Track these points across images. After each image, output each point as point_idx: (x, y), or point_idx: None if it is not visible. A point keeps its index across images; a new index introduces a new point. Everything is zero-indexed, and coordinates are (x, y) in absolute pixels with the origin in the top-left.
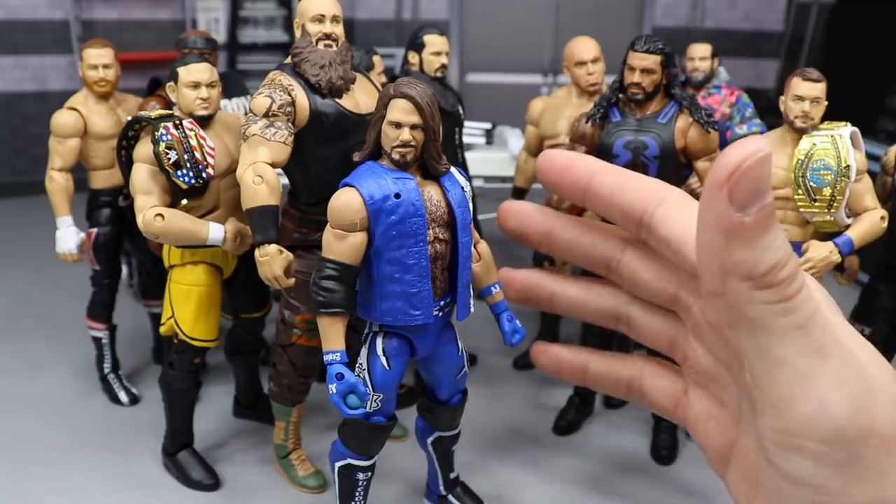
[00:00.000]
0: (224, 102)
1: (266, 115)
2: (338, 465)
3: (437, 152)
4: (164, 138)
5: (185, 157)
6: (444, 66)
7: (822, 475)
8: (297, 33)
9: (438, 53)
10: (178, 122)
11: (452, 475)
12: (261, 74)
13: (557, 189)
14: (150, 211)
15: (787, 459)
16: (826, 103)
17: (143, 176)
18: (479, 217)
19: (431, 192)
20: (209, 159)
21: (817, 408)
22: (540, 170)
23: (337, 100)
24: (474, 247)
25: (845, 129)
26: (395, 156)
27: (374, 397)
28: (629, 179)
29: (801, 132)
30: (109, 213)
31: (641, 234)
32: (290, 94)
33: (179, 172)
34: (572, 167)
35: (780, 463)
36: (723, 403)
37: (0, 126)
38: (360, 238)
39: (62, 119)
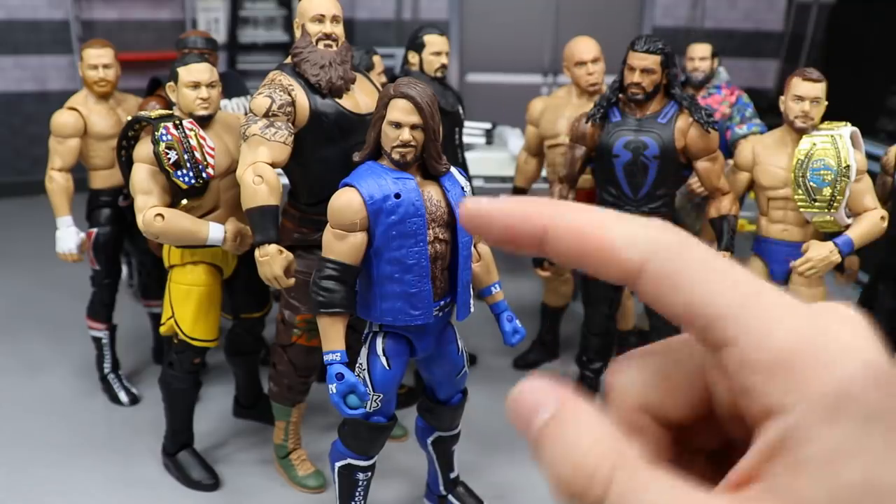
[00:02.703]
0: (224, 102)
1: (266, 115)
2: (338, 465)
3: (437, 152)
4: (164, 138)
5: (185, 157)
6: (444, 66)
7: None
8: (297, 33)
9: (438, 53)
10: (178, 122)
11: (452, 475)
12: (261, 74)
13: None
14: (150, 211)
15: None
16: (826, 103)
17: (143, 176)
18: None
19: (431, 192)
20: (209, 159)
21: None
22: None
23: (337, 100)
24: (474, 247)
25: (845, 129)
26: (395, 156)
27: (374, 397)
28: (591, 247)
29: (801, 132)
30: (109, 213)
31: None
32: (290, 94)
33: (179, 172)
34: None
35: None
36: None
37: (0, 126)
38: (360, 238)
39: (62, 119)
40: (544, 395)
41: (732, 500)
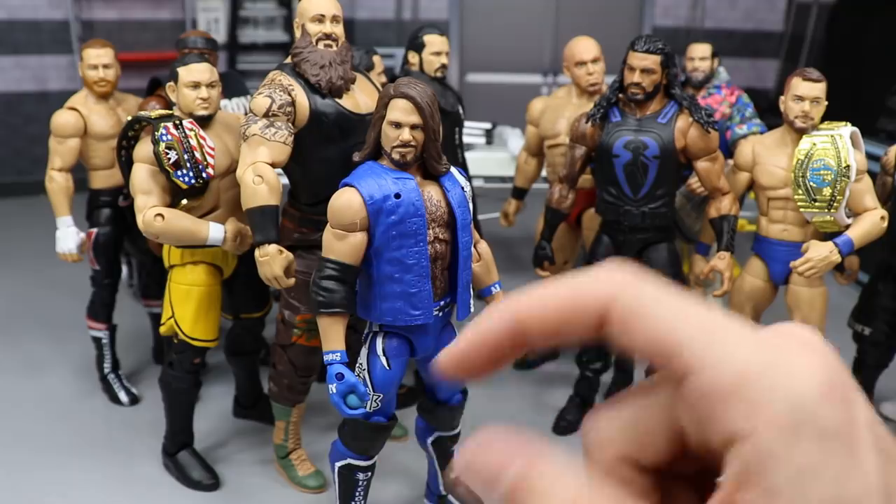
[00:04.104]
0: (224, 102)
1: (266, 115)
2: (338, 465)
3: (437, 152)
4: (164, 138)
5: (185, 157)
6: (444, 66)
7: None
8: (297, 33)
9: (438, 53)
10: (178, 122)
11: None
12: (261, 74)
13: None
14: (150, 211)
15: None
16: (826, 103)
17: (143, 176)
18: (479, 217)
19: (431, 192)
20: (209, 159)
21: None
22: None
23: (337, 100)
24: (474, 247)
25: (845, 129)
26: (395, 156)
27: (374, 397)
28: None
29: (801, 132)
30: (109, 213)
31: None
32: (290, 94)
33: (179, 172)
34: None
35: None
36: None
37: (0, 126)
38: (359, 238)
39: (62, 119)
40: (508, 452)
41: None
